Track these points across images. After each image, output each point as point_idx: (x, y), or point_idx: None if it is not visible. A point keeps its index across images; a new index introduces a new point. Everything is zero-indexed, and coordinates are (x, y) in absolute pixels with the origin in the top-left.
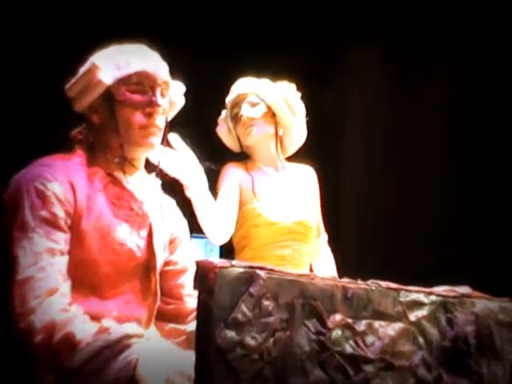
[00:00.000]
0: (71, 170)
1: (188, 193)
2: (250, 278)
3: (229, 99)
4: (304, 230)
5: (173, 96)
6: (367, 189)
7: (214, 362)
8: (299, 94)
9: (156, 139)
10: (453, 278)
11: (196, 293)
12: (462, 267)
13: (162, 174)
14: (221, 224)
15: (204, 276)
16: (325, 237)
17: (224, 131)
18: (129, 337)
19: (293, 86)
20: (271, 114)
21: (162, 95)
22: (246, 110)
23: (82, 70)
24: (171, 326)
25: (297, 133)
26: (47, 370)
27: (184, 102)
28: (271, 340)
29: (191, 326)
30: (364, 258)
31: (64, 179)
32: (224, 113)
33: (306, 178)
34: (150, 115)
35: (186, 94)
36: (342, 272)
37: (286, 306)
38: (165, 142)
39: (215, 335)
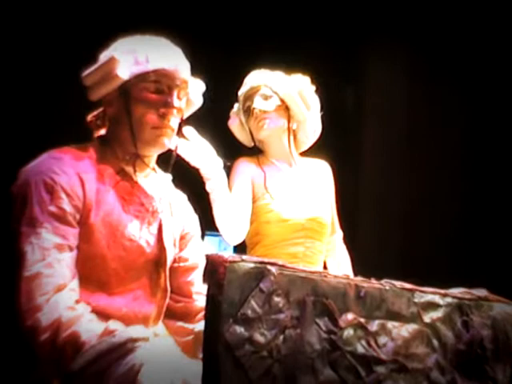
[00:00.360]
0: (81, 163)
1: (209, 185)
2: (260, 273)
3: (241, 92)
4: (317, 226)
5: (191, 95)
6: (384, 186)
7: (222, 358)
8: (314, 88)
9: (168, 140)
10: (471, 279)
11: (206, 290)
12: (481, 268)
13: (183, 162)
14: (237, 224)
15: (213, 270)
16: (340, 234)
17: (236, 125)
18: (133, 340)
19: (307, 79)
20: (284, 108)
21: (179, 95)
22: (258, 103)
23: (101, 60)
24: (179, 324)
25: (311, 127)
26: (51, 370)
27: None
28: (281, 337)
29: (200, 325)
30: (380, 257)
31: (73, 173)
32: (236, 106)
33: (321, 173)
34: (163, 116)
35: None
36: (357, 270)
37: (297, 303)
38: (179, 136)
39: (224, 331)
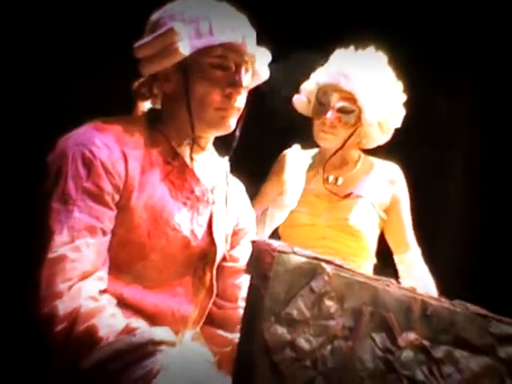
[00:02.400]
0: (127, 138)
1: (273, 211)
2: (312, 270)
3: (325, 79)
4: (345, 238)
5: (257, 66)
6: (471, 202)
7: (258, 360)
8: (403, 111)
9: (234, 120)
10: None
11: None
12: None
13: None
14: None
15: (259, 259)
16: (416, 251)
17: (304, 106)
18: (155, 343)
19: (402, 98)
20: (358, 125)
21: (246, 71)
22: (333, 116)
23: (155, 28)
24: (218, 332)
25: (378, 141)
26: (64, 365)
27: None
28: (328, 347)
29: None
30: (464, 278)
31: (116, 148)
32: (313, 79)
33: (382, 177)
34: (229, 96)
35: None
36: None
37: (351, 312)
38: (241, 120)
39: (263, 329)
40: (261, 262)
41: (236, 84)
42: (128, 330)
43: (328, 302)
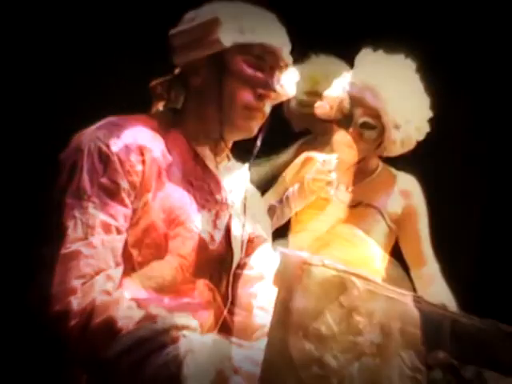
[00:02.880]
0: (145, 135)
1: (285, 210)
2: (342, 284)
3: (350, 90)
4: (348, 246)
5: (284, 80)
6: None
7: (284, 376)
8: (427, 128)
9: (257, 126)
10: None
11: (269, 306)
12: None
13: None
14: None
15: (288, 271)
16: (433, 266)
17: (326, 110)
18: (177, 328)
19: (428, 115)
20: (381, 139)
21: (279, 79)
22: (355, 131)
23: (198, 19)
24: (233, 340)
25: (399, 152)
26: (79, 361)
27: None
28: (356, 365)
29: (256, 344)
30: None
31: (134, 145)
32: (338, 87)
33: (394, 188)
34: (260, 97)
35: None
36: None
37: (380, 328)
38: (263, 129)
39: (290, 344)
40: (289, 274)
41: (268, 86)
42: (148, 318)
43: (357, 318)
